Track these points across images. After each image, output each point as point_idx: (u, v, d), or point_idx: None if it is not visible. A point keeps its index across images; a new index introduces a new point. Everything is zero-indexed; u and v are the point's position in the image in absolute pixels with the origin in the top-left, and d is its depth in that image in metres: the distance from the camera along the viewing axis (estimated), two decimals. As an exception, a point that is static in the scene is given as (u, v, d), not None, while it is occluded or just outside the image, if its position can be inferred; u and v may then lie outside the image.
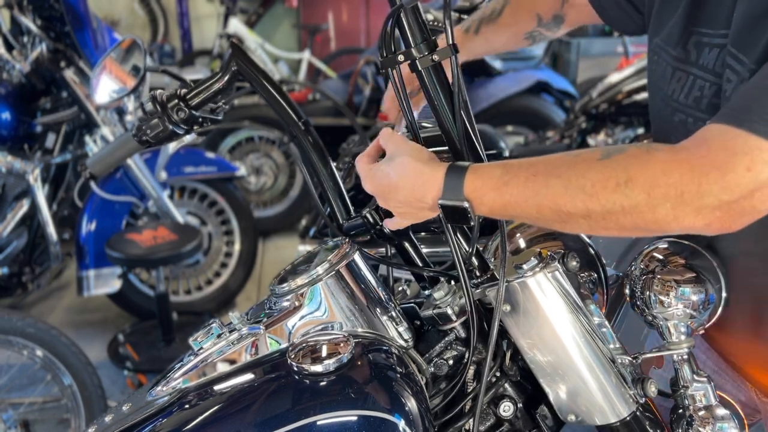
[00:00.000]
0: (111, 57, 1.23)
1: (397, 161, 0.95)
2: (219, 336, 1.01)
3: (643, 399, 0.99)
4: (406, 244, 1.09)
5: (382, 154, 1.02)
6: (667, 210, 0.78)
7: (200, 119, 1.14)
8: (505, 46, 1.40)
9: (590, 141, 3.58)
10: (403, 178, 0.93)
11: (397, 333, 1.06)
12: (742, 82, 0.89)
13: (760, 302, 1.04)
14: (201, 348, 1.01)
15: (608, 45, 5.64)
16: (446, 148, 0.98)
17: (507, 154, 3.39)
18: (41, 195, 3.11)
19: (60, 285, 4.06)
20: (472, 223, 0.90)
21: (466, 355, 1.04)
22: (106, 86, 1.23)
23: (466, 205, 0.88)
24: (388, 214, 1.03)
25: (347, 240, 1.07)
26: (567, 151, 0.88)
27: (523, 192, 0.85)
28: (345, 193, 1.15)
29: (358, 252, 1.06)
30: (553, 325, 0.96)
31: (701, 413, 0.97)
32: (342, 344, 0.97)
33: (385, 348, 1.02)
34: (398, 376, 0.98)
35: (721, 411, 0.97)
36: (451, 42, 0.92)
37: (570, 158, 0.85)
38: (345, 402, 0.92)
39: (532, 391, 1.06)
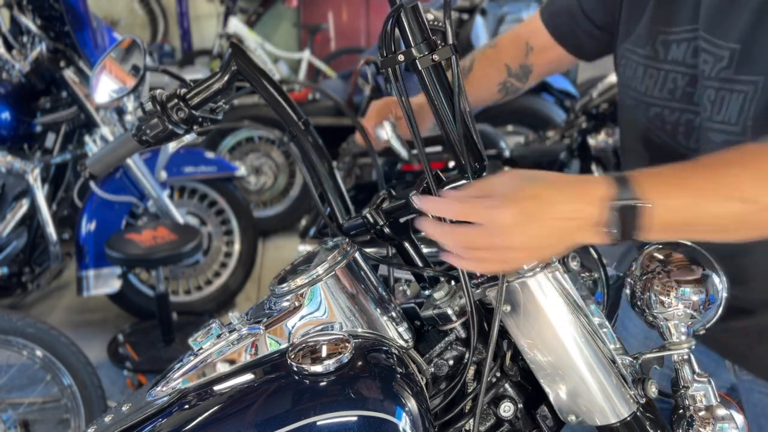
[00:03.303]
0: (111, 56, 1.23)
1: (534, 176, 0.83)
2: (219, 336, 1.01)
3: (644, 399, 0.99)
4: (407, 244, 1.09)
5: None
6: None
7: (200, 119, 1.13)
8: (479, 102, 1.43)
9: (590, 141, 3.58)
10: (554, 191, 0.80)
11: (397, 333, 1.05)
12: (720, 61, 0.98)
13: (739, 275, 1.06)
14: (201, 348, 1.01)
15: (608, 45, 5.64)
16: (440, 149, 0.98)
17: (507, 154, 3.40)
18: (41, 195, 3.11)
19: (60, 285, 4.06)
20: (641, 238, 0.80)
21: (467, 356, 1.04)
22: (105, 86, 1.22)
23: (645, 204, 0.78)
24: (388, 216, 1.02)
25: (347, 240, 1.07)
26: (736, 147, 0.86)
27: (709, 184, 0.80)
28: (345, 192, 1.15)
29: (358, 252, 1.06)
30: (554, 325, 0.96)
31: (702, 413, 0.97)
32: (342, 344, 0.96)
33: (385, 348, 1.02)
34: (398, 376, 0.98)
35: (722, 411, 0.97)
36: (451, 42, 0.92)
37: (749, 148, 0.83)
38: (345, 402, 0.92)
39: (532, 392, 1.06)
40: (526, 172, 0.85)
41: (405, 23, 0.93)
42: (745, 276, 1.10)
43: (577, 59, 1.39)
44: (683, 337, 0.98)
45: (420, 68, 0.94)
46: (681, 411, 0.99)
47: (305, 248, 2.32)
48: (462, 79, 1.36)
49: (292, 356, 0.96)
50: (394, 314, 1.06)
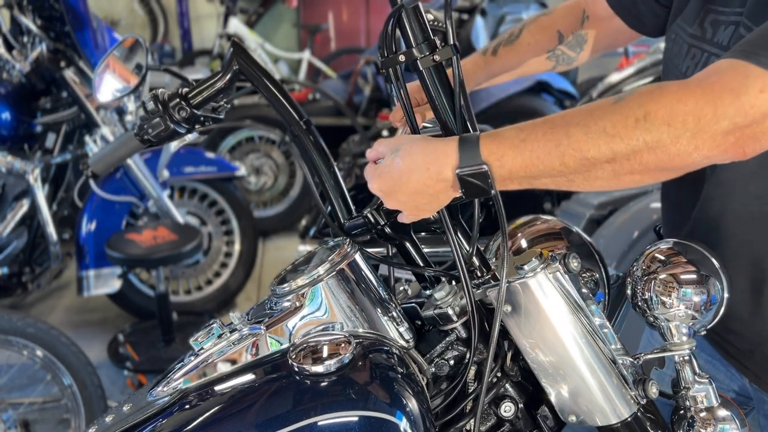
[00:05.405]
0: (114, 55, 1.23)
1: (404, 148, 0.93)
2: (220, 336, 1.01)
3: (644, 400, 0.99)
4: (407, 244, 1.09)
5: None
6: (687, 140, 0.78)
7: (202, 118, 1.13)
8: (526, 65, 1.39)
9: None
10: (414, 161, 0.91)
11: (398, 333, 1.06)
12: None
13: (757, 273, 1.04)
14: (201, 348, 1.01)
15: (608, 45, 5.63)
16: None
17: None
18: (41, 195, 3.11)
19: (60, 285, 4.06)
20: (492, 192, 0.88)
21: (467, 356, 1.04)
22: (108, 85, 1.22)
23: (485, 168, 0.86)
24: (389, 216, 1.02)
25: (348, 240, 1.07)
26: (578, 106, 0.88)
27: (544, 145, 0.84)
28: (346, 192, 1.15)
29: (358, 252, 1.06)
30: (554, 325, 0.96)
31: (702, 414, 0.97)
32: (343, 345, 0.97)
33: (386, 348, 1.02)
34: (399, 376, 0.98)
35: (723, 412, 0.97)
36: (452, 42, 0.92)
37: (584, 108, 0.85)
38: (346, 402, 0.92)
39: (533, 392, 1.06)
40: (399, 142, 0.94)
41: (406, 23, 0.93)
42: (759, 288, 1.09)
43: (635, 33, 1.33)
44: (684, 338, 0.98)
45: (421, 68, 0.94)
46: (682, 412, 0.99)
47: (305, 248, 2.32)
48: (507, 45, 1.34)
49: (293, 356, 0.96)
50: (394, 314, 1.06)
